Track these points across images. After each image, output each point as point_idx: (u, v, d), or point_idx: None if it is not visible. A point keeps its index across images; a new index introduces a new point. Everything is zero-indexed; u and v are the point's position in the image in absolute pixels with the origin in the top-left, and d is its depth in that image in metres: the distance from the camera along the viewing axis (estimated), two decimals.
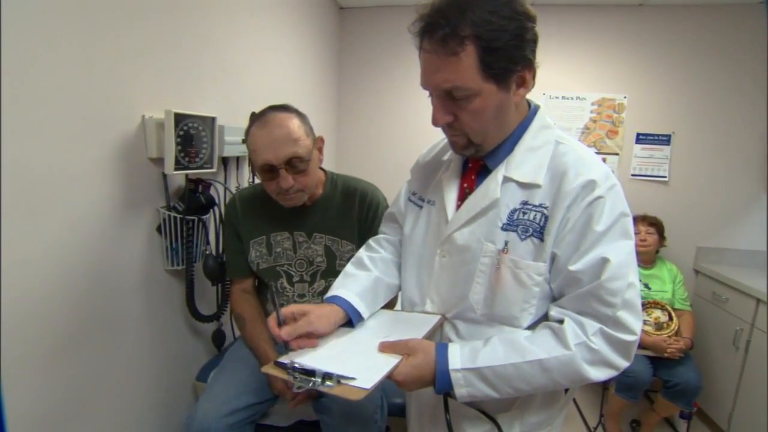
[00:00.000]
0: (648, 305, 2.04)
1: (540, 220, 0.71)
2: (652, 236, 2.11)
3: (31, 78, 0.87)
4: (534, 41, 0.69)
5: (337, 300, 0.83)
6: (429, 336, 0.77)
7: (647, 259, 2.14)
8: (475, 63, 0.65)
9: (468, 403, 0.76)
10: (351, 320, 0.83)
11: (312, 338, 0.76)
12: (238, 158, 1.61)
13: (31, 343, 0.91)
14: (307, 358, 0.72)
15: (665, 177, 2.39)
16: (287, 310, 0.79)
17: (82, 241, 1.02)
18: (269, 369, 0.70)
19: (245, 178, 1.66)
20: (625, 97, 2.42)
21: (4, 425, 0.73)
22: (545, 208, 0.71)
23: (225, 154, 1.40)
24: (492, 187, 0.75)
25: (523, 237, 0.72)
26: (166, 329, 1.31)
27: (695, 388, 1.82)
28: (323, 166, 1.24)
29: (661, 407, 1.94)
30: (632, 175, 2.42)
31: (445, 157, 0.87)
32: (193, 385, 1.39)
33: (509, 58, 0.66)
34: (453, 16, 0.64)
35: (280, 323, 0.77)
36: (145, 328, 1.23)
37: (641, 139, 2.41)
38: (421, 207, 0.88)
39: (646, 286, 2.10)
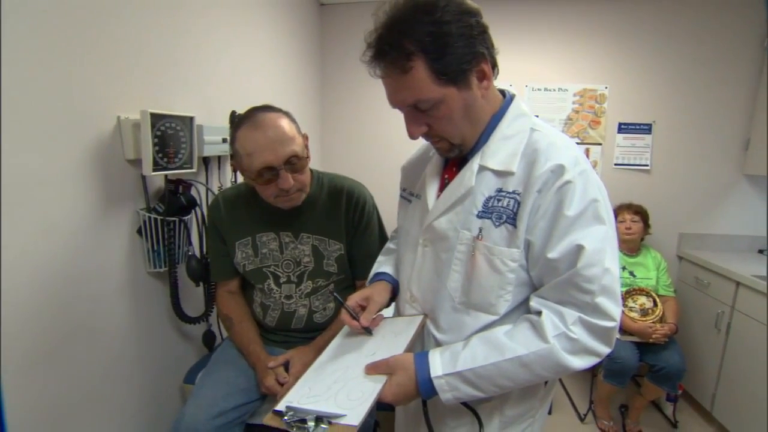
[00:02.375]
0: (634, 292, 2.07)
1: (513, 206, 0.71)
2: (637, 224, 2.14)
3: (2, 80, 0.85)
4: (483, 33, 0.69)
5: (383, 276, 0.94)
6: (413, 342, 0.79)
7: (632, 247, 2.17)
8: (428, 74, 0.67)
9: None
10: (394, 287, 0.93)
11: (380, 317, 0.88)
12: (219, 158, 1.59)
13: (10, 351, 0.89)
14: (301, 397, 0.74)
15: (647, 165, 2.42)
16: (351, 302, 0.86)
17: (59, 246, 1.00)
18: (270, 421, 0.72)
19: (227, 177, 1.65)
20: (606, 88, 2.44)
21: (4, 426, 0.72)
22: (518, 194, 0.71)
23: (205, 154, 1.39)
24: (467, 176, 0.76)
25: (497, 224, 0.72)
26: (151, 332, 1.30)
27: (679, 371, 1.85)
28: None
29: (647, 391, 1.98)
30: (615, 164, 2.45)
31: (431, 153, 0.88)
32: (181, 387, 1.38)
33: (460, 59, 0.67)
34: (394, 39, 0.66)
35: (353, 316, 0.84)
36: (130, 332, 1.22)
37: (623, 128, 2.43)
38: (410, 201, 0.91)
39: (632, 273, 2.13)
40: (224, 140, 1.48)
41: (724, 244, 2.37)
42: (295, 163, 1.05)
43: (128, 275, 1.20)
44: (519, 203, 0.71)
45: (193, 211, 1.34)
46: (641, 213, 2.17)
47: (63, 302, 1.01)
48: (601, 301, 0.67)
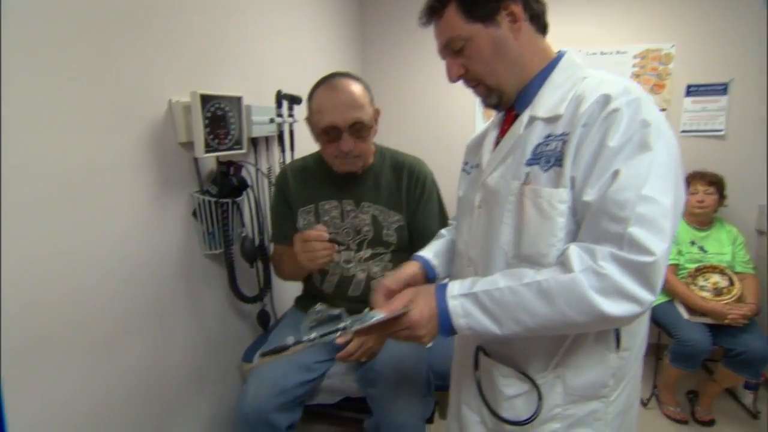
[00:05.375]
0: (705, 270, 1.91)
1: (560, 147, 0.68)
2: (711, 197, 1.95)
3: (56, 73, 0.86)
4: None
5: (415, 258, 0.96)
6: None
7: (704, 220, 1.99)
8: (458, 14, 0.73)
9: (503, 361, 0.75)
10: (429, 276, 0.94)
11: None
12: (267, 138, 1.58)
13: (77, 335, 0.93)
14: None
15: (721, 131, 2.19)
16: (385, 285, 0.86)
17: (120, 232, 1.02)
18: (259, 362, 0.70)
19: (275, 159, 1.64)
20: (672, 46, 2.21)
21: (4, 425, 0.75)
22: (565, 135, 0.68)
23: (254, 135, 1.38)
24: (516, 126, 0.76)
25: (545, 168, 0.69)
26: (209, 313, 1.33)
27: (763, 357, 1.69)
28: None
29: (723, 377, 1.83)
30: (682, 131, 2.23)
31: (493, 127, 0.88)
32: (240, 366, 1.41)
33: None
34: None
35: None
36: (189, 313, 1.25)
37: (692, 91, 2.20)
38: (470, 173, 0.91)
39: (702, 249, 1.96)
40: (271, 120, 1.46)
41: None
42: (360, 129, 1.10)
43: (185, 258, 1.22)
44: (565, 142, 0.67)
45: (244, 192, 1.34)
46: (717, 183, 1.97)
47: (126, 286, 1.04)
48: (636, 231, 0.58)
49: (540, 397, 0.73)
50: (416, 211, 1.23)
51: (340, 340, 0.69)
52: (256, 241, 1.39)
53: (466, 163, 0.95)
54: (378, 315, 0.69)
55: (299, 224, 1.25)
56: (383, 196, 1.22)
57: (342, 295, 1.24)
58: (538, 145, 0.71)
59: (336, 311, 0.72)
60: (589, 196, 0.63)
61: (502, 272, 0.69)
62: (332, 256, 1.07)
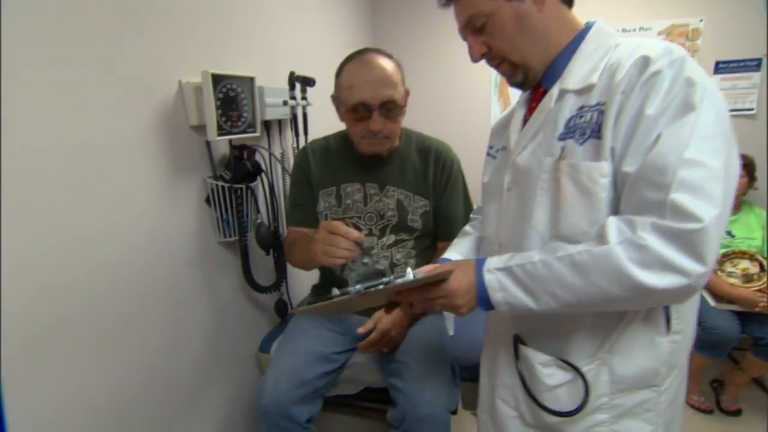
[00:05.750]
0: (733, 255, 1.83)
1: (597, 118, 0.63)
2: (741, 179, 1.87)
3: (62, 53, 0.81)
4: None
5: (442, 261, 0.90)
6: None
7: (732, 203, 1.90)
8: None
9: (542, 349, 0.72)
10: None
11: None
12: (280, 122, 1.52)
13: (87, 325, 0.89)
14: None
15: (752, 110, 2.09)
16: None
17: (131, 218, 0.98)
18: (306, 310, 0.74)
19: (289, 143, 1.58)
20: (701, 21, 2.10)
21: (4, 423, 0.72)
22: (602, 104, 0.63)
23: (267, 117, 1.32)
24: (546, 102, 0.71)
25: (580, 141, 0.64)
26: (224, 302, 1.29)
27: None
28: None
29: (751, 367, 1.77)
30: None
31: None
32: (256, 356, 1.38)
33: None
34: None
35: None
36: (204, 302, 1.21)
37: (722, 67, 2.10)
38: (495, 157, 0.87)
39: (730, 233, 1.88)
40: (285, 103, 1.41)
41: None
42: (391, 108, 1.05)
43: (199, 245, 1.18)
44: (603, 113, 0.62)
45: (258, 177, 1.29)
46: (746, 165, 1.88)
47: (138, 272, 1.01)
48: (679, 197, 0.53)
49: (586, 387, 0.68)
50: (442, 197, 1.18)
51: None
52: (272, 228, 1.35)
53: (491, 147, 0.90)
54: (419, 276, 0.70)
55: (319, 207, 1.19)
56: (409, 180, 1.16)
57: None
58: (571, 118, 0.66)
59: (381, 266, 0.73)
60: (630, 166, 0.58)
61: (539, 248, 0.67)
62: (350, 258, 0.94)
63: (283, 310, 1.44)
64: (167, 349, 1.09)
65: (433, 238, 1.22)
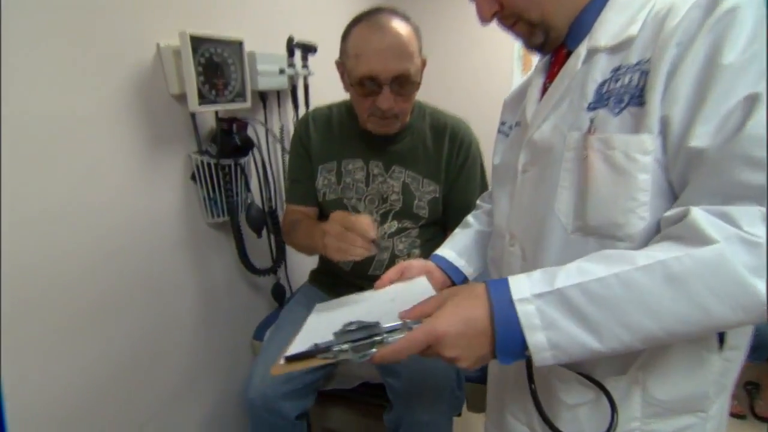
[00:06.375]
0: None
1: (639, 80, 0.49)
2: None
3: (26, 11, 0.70)
4: None
5: (434, 258, 0.82)
6: None
7: None
8: None
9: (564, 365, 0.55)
10: (453, 281, 0.81)
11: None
12: (278, 93, 1.40)
13: (60, 310, 0.82)
14: (324, 335, 0.54)
15: None
16: (386, 278, 0.76)
17: (106, 194, 0.89)
18: (281, 368, 0.52)
19: (289, 117, 1.47)
20: None
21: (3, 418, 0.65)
22: (645, 62, 0.49)
23: (260, 87, 1.20)
24: (572, 64, 0.57)
25: (616, 110, 0.51)
26: (217, 286, 1.21)
27: None
28: None
29: None
30: None
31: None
32: (251, 344, 1.31)
33: None
34: None
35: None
36: (194, 285, 1.13)
37: None
38: (508, 135, 0.74)
39: None
40: (281, 71, 1.28)
41: None
42: (403, 84, 0.90)
43: (186, 226, 1.09)
44: (647, 73, 0.48)
45: (250, 153, 1.18)
46: None
47: (116, 256, 0.93)
48: None
49: (613, 408, 0.54)
50: (456, 182, 1.04)
51: (376, 359, 0.51)
52: (265, 208, 1.25)
53: (502, 124, 0.77)
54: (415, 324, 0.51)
55: (318, 183, 1.07)
56: (419, 160, 1.03)
57: (361, 274, 1.09)
58: (604, 82, 0.53)
59: (372, 321, 0.54)
60: (701, 140, 0.43)
61: (587, 257, 0.48)
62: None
63: (280, 296, 1.36)
64: (150, 337, 1.02)
65: (442, 227, 1.09)
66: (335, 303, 0.78)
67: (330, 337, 0.54)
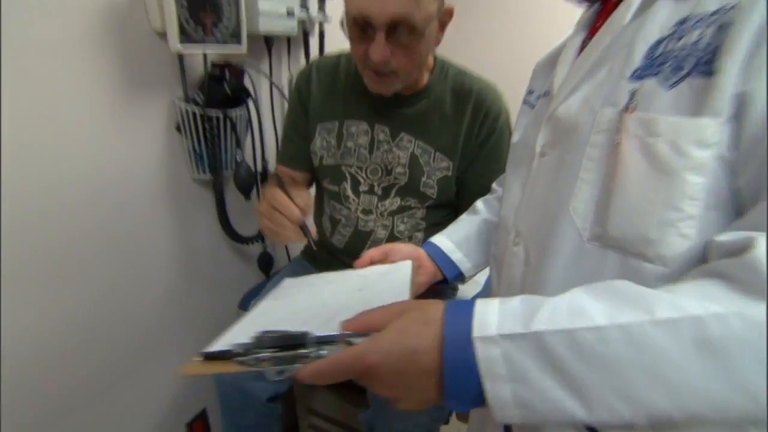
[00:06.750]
0: None
1: (711, 38, 0.35)
2: None
3: None
4: None
5: (427, 246, 0.73)
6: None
7: None
8: None
9: None
10: (444, 275, 0.72)
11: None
12: (289, 40, 1.25)
13: (12, 263, 0.74)
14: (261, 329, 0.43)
15: None
16: (367, 256, 0.70)
17: (74, 137, 0.80)
18: (194, 369, 0.41)
19: (301, 66, 1.32)
20: None
21: None
22: (729, 9, 0.34)
23: (262, 30, 1.05)
24: (619, 15, 0.44)
25: (671, 81, 0.37)
26: (200, 248, 1.13)
27: None
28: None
29: None
30: None
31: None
32: (238, 314, 1.24)
33: None
34: None
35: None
36: (174, 245, 1.05)
37: None
38: (534, 105, 0.61)
39: None
40: (290, 13, 1.12)
41: None
42: (402, 34, 0.72)
43: (168, 180, 1.00)
44: (729, 27, 0.33)
45: (245, 105, 1.05)
46: None
47: (81, 206, 0.85)
48: None
49: None
50: (475, 161, 0.88)
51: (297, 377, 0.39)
52: (259, 168, 1.13)
53: (530, 92, 0.64)
54: (355, 340, 0.39)
55: (315, 145, 0.94)
56: (433, 130, 0.87)
57: (355, 253, 0.96)
58: (661, 41, 0.39)
59: (300, 331, 0.41)
60: None
61: (588, 288, 0.34)
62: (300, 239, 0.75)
63: (267, 266, 1.26)
64: (120, 296, 0.96)
65: (455, 211, 0.93)
66: (303, 282, 0.70)
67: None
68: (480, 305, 0.35)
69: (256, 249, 1.27)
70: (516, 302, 0.35)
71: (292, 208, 0.68)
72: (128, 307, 0.98)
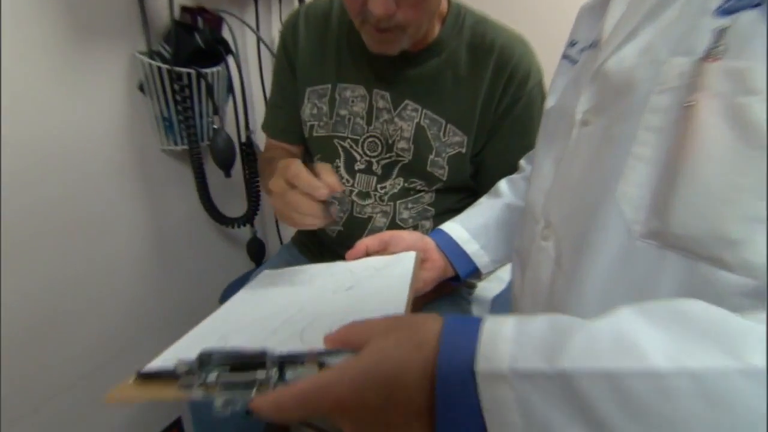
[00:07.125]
0: None
1: None
2: None
3: None
4: None
5: (436, 234, 0.60)
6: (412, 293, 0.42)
7: None
8: None
9: None
10: (456, 271, 0.58)
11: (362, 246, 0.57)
12: None
13: None
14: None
15: None
16: (362, 245, 0.57)
17: (15, 99, 0.66)
18: (124, 392, 0.32)
19: None
20: None
21: None
22: None
23: None
24: None
25: None
26: (175, 231, 0.98)
27: None
28: None
29: None
30: None
31: None
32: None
33: None
34: None
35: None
36: (144, 230, 0.91)
37: None
38: (576, 61, 0.48)
39: None
40: None
41: None
42: None
43: (133, 150, 0.85)
44: None
45: (224, 63, 0.88)
46: None
47: (28, 182, 0.70)
48: None
49: None
50: (496, 134, 0.70)
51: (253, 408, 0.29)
52: (243, 139, 0.97)
53: (572, 44, 0.50)
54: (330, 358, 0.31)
55: (304, 113, 0.76)
56: (444, 96, 0.69)
57: (349, 244, 0.80)
58: None
59: (258, 349, 0.31)
60: None
61: (644, 309, 0.23)
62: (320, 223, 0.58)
63: (258, 253, 1.11)
64: (80, 284, 0.82)
65: (473, 193, 0.76)
66: (282, 276, 0.58)
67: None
68: (490, 325, 0.25)
69: (244, 233, 1.12)
70: (539, 324, 0.25)
71: (316, 186, 0.51)
72: (88, 298, 0.84)
